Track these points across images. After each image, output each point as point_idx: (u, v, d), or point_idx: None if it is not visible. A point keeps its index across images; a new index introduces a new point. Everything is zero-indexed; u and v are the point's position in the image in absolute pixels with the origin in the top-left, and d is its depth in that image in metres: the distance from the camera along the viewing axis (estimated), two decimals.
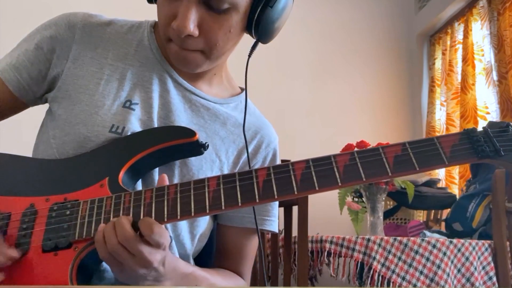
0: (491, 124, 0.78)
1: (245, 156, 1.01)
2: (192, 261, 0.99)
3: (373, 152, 0.77)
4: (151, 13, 1.05)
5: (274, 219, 1.03)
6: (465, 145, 0.76)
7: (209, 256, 1.05)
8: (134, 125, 0.90)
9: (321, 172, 0.77)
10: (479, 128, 0.78)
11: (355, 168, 0.76)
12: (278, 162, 1.07)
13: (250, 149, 1.01)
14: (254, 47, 0.95)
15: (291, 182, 0.77)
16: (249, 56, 0.95)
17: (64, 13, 0.98)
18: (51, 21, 0.97)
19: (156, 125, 0.92)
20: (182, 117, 0.95)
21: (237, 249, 1.02)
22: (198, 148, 0.89)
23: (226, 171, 0.98)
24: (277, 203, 1.05)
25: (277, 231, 1.04)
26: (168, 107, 0.94)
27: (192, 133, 0.88)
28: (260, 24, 0.90)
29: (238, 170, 1.00)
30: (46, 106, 0.99)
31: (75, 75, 0.93)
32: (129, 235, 0.73)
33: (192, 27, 0.84)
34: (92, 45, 0.95)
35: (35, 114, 1.03)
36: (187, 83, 0.98)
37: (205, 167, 0.95)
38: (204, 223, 0.98)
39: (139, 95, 0.93)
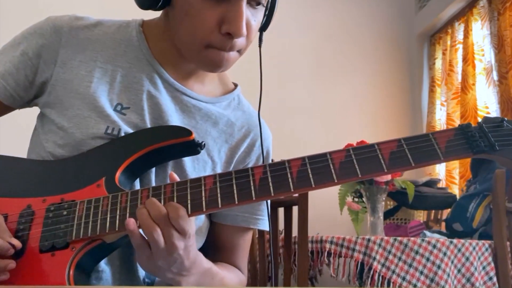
0: (486, 119, 0.79)
1: (238, 155, 1.01)
2: None
3: (369, 149, 0.77)
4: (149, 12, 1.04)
5: (266, 218, 1.04)
6: (460, 141, 0.76)
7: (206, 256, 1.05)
8: (128, 127, 0.90)
9: (317, 169, 0.77)
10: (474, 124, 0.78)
11: (351, 165, 0.76)
12: (270, 160, 1.07)
13: (243, 148, 1.01)
14: (261, 36, 0.97)
15: (287, 179, 0.77)
16: (260, 46, 0.97)
17: (50, 16, 0.97)
18: (36, 25, 0.96)
19: (148, 126, 0.92)
20: (174, 118, 0.94)
21: (232, 245, 1.03)
22: (194, 148, 0.89)
23: (219, 172, 0.97)
24: (268, 202, 1.06)
25: (268, 229, 1.05)
26: (159, 108, 0.93)
27: (188, 132, 0.88)
28: (270, 15, 0.93)
29: (232, 169, 1.00)
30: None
31: (64, 79, 0.92)
32: (163, 211, 0.74)
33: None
34: (80, 48, 0.94)
35: (32, 116, 1.02)
36: (178, 83, 0.97)
37: (197, 168, 0.94)
38: (200, 221, 0.98)
39: (130, 98, 0.93)
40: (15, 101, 0.95)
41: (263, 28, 0.95)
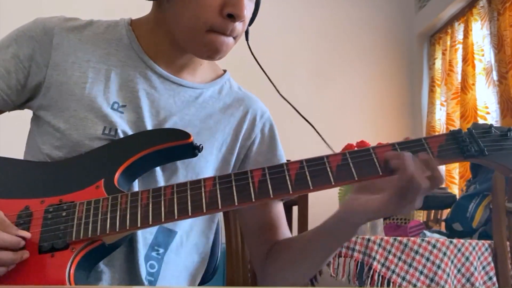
0: (475, 125, 0.83)
1: (243, 133, 1.02)
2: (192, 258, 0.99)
3: (364, 153, 0.80)
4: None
5: None
6: (451, 145, 0.80)
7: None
8: (125, 127, 0.90)
9: (314, 172, 0.79)
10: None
11: (347, 168, 0.79)
12: (277, 133, 1.07)
13: (245, 126, 1.02)
14: (247, 30, 0.98)
15: (286, 181, 0.78)
16: (247, 40, 0.99)
17: (37, 18, 0.96)
18: (24, 27, 0.95)
19: (147, 124, 0.92)
20: (173, 111, 0.95)
21: (269, 221, 1.02)
22: (192, 150, 0.90)
23: (224, 149, 0.99)
24: None
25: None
26: (156, 104, 0.94)
27: (186, 135, 0.89)
28: (255, 11, 0.96)
29: (239, 145, 1.01)
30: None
31: (58, 81, 0.92)
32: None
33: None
34: (72, 49, 0.94)
35: (28, 117, 1.02)
36: (172, 76, 0.98)
37: (204, 153, 0.94)
38: (201, 220, 0.98)
39: (126, 96, 0.93)
40: (6, 105, 0.95)
41: (249, 23, 0.97)
